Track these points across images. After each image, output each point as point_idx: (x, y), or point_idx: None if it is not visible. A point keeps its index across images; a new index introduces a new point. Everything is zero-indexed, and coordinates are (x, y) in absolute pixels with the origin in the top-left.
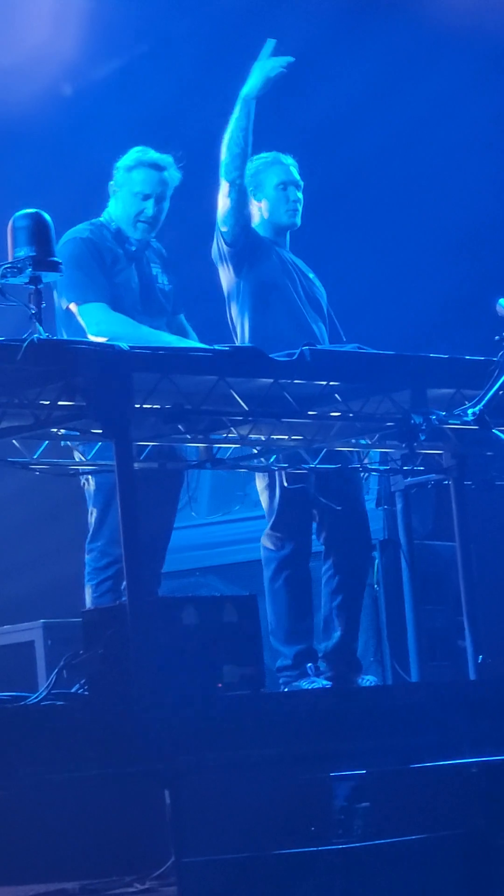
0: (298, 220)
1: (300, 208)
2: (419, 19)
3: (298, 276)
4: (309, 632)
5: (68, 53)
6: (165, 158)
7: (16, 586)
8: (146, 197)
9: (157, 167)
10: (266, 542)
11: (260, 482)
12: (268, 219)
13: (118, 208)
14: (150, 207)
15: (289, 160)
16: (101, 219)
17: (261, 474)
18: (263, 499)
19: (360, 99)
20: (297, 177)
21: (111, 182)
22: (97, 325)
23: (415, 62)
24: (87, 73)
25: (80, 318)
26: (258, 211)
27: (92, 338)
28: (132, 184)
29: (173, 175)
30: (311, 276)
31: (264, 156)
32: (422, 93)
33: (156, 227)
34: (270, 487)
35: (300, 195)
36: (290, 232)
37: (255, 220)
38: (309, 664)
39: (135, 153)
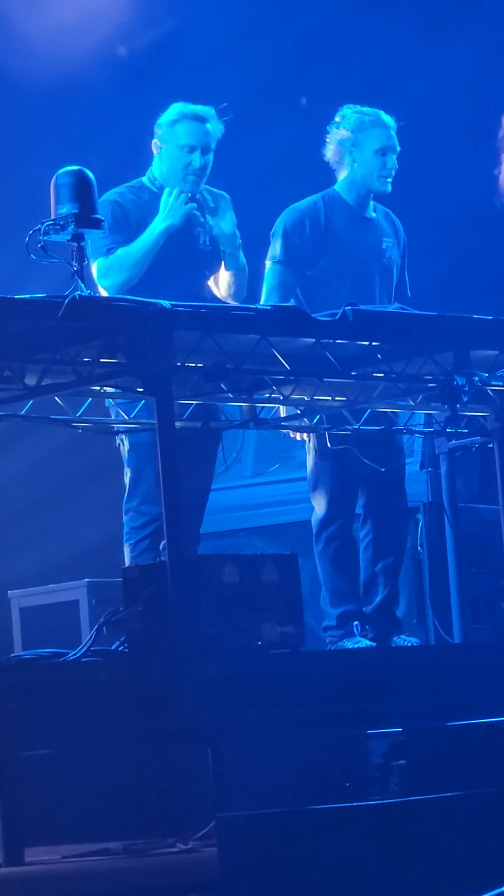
0: (389, 188)
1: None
2: None
3: (364, 257)
4: (353, 592)
5: (121, 13)
6: (207, 110)
7: (62, 545)
8: (192, 149)
9: (199, 119)
10: (313, 503)
11: (308, 443)
12: (359, 181)
13: (165, 164)
14: (196, 159)
15: (391, 122)
16: (144, 179)
17: (308, 435)
18: (309, 460)
19: (405, 53)
20: (396, 141)
21: (154, 140)
22: (100, 275)
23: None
24: (137, 33)
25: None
26: (348, 167)
27: (101, 290)
28: (177, 137)
29: (216, 127)
30: (385, 243)
31: (366, 112)
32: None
33: (203, 178)
34: (314, 449)
35: (396, 162)
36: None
37: (343, 174)
38: (355, 623)
39: (176, 108)
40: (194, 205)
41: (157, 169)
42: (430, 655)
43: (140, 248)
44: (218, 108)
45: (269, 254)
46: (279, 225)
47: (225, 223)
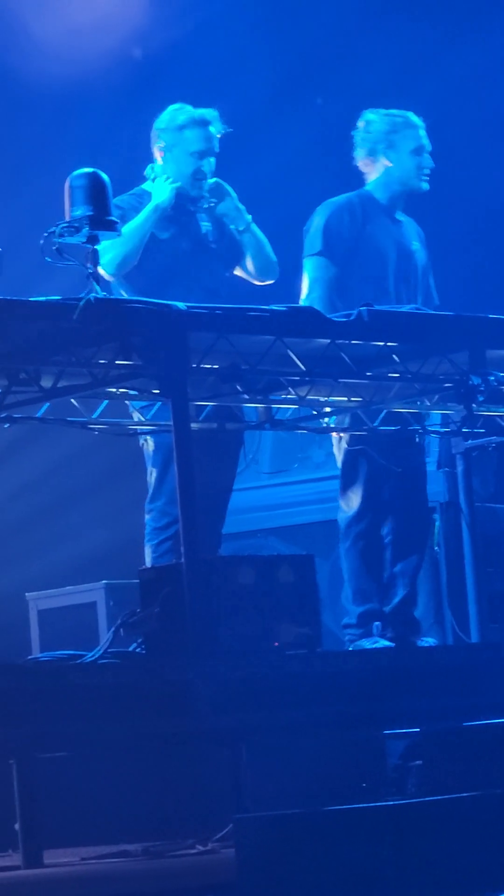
0: (427, 185)
1: None
2: None
3: (399, 257)
4: (377, 592)
5: (134, 15)
6: (211, 112)
7: (78, 547)
8: (202, 155)
9: (206, 123)
10: (341, 500)
11: (334, 442)
12: (395, 179)
13: (171, 168)
14: (206, 165)
15: (419, 122)
16: (145, 186)
17: (335, 435)
18: (339, 457)
19: (423, 53)
20: (427, 140)
21: (158, 144)
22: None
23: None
24: (150, 35)
25: (104, 273)
26: (381, 168)
27: (102, 271)
28: (187, 143)
29: (219, 128)
30: (414, 246)
31: (396, 114)
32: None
33: (207, 180)
34: (338, 448)
35: (430, 160)
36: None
37: (375, 176)
38: (376, 623)
39: (182, 112)
40: (179, 183)
41: (162, 173)
42: (448, 655)
43: (133, 225)
44: (219, 110)
45: (308, 248)
46: (318, 218)
47: (226, 203)
